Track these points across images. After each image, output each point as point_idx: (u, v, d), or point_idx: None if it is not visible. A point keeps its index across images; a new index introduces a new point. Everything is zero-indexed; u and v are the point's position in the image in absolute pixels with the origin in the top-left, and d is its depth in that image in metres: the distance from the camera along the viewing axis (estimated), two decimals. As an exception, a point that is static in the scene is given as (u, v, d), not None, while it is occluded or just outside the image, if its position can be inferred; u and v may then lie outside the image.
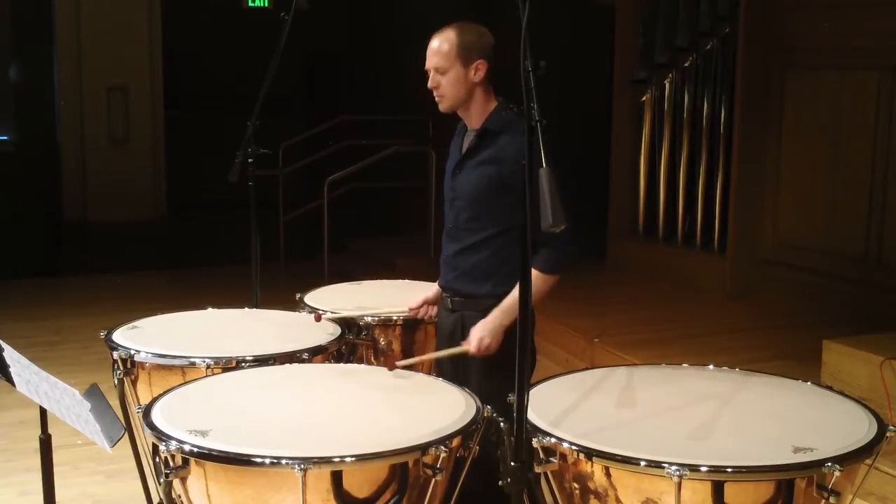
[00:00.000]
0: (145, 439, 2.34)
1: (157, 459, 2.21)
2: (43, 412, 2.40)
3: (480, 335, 2.73)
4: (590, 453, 2.10)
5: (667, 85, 6.85)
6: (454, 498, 2.37)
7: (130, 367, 2.86)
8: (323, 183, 7.59)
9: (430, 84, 2.84)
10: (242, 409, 2.39)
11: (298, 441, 2.16)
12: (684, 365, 2.78)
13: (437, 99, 2.85)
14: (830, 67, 5.71)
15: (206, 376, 2.69)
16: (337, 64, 12.94)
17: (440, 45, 2.80)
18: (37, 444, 2.48)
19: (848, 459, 2.06)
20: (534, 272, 2.66)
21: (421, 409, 2.40)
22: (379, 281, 3.96)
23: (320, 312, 3.09)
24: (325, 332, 3.04)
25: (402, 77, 11.90)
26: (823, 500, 2.04)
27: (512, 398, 2.07)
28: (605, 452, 2.08)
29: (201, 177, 10.22)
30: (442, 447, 2.14)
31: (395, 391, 2.54)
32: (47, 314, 6.81)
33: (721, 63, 6.48)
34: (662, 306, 6.03)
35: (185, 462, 2.15)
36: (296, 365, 2.80)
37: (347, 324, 3.18)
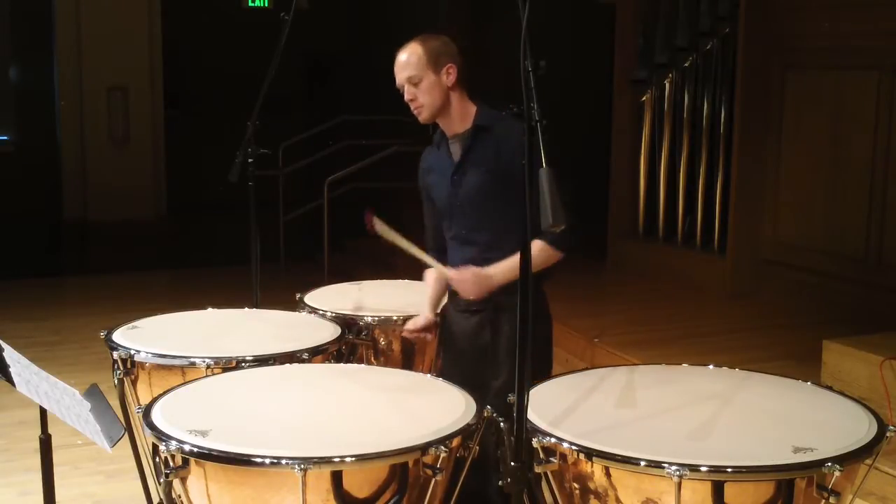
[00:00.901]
0: (145, 439, 2.34)
1: (157, 459, 2.21)
2: (43, 412, 2.40)
3: (468, 276, 2.76)
4: (590, 453, 2.10)
5: (667, 85, 6.85)
6: (454, 498, 2.37)
7: (130, 367, 2.86)
8: (323, 183, 7.59)
9: (406, 97, 2.85)
10: (242, 409, 2.39)
11: (298, 441, 2.16)
12: (684, 365, 2.78)
13: (415, 111, 2.86)
14: (830, 67, 5.71)
15: (206, 376, 2.69)
16: (337, 64, 12.94)
17: (408, 56, 2.82)
18: (37, 444, 2.48)
19: (848, 459, 2.05)
20: (541, 243, 2.73)
21: (421, 409, 2.40)
22: (379, 281, 3.96)
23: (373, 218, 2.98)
24: (325, 332, 3.04)
25: (402, 77, 11.90)
26: (823, 500, 2.04)
27: (512, 398, 2.07)
28: (605, 452, 2.08)
29: (201, 177, 10.22)
30: (442, 447, 2.14)
31: (395, 391, 2.54)
32: (47, 314, 6.81)
33: (721, 63, 6.48)
34: (662, 306, 6.03)
35: (185, 462, 2.15)
36: (296, 365, 2.80)
37: (347, 324, 3.18)
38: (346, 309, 3.28)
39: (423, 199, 3.09)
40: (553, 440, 2.16)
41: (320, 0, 7.72)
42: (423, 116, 2.87)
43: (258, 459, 2.07)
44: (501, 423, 2.25)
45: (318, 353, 2.89)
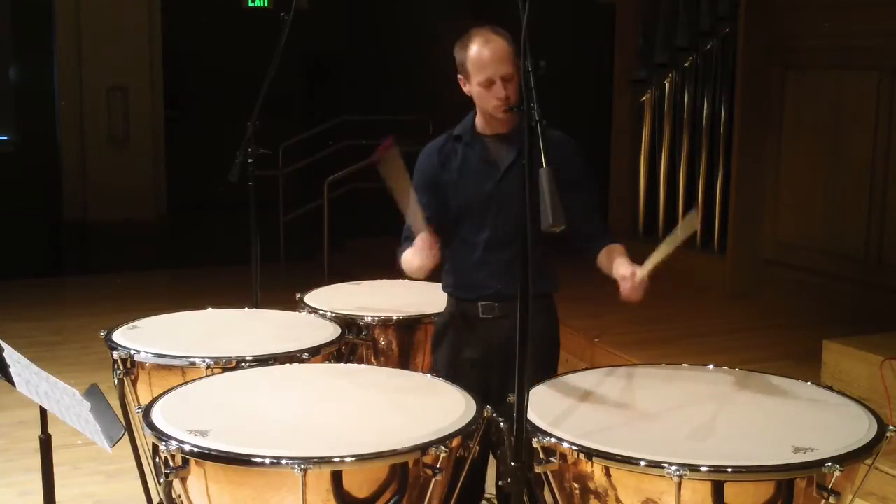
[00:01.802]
0: (145, 439, 2.34)
1: (157, 459, 2.20)
2: (43, 412, 2.40)
3: (630, 282, 2.84)
4: (590, 453, 2.10)
5: (667, 85, 6.85)
6: (454, 498, 2.37)
7: (130, 367, 2.86)
8: (323, 183, 7.59)
9: (501, 93, 2.67)
10: (242, 409, 2.39)
11: (298, 441, 2.16)
12: (684, 365, 2.78)
13: (497, 109, 2.69)
14: (830, 67, 5.71)
15: (206, 376, 2.69)
16: (337, 64, 12.94)
17: (501, 52, 2.67)
18: (37, 444, 2.48)
19: (848, 459, 2.05)
20: (615, 246, 2.95)
21: (421, 409, 2.40)
22: (379, 281, 3.95)
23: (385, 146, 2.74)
24: (325, 332, 3.04)
25: (403, 77, 11.93)
26: (823, 500, 2.04)
27: (512, 398, 2.07)
28: (605, 452, 2.08)
29: (201, 177, 10.22)
30: (442, 447, 2.14)
31: (395, 391, 2.54)
32: (47, 314, 6.81)
33: (721, 63, 6.49)
34: (662, 306, 6.02)
35: (185, 462, 2.15)
36: (296, 365, 2.80)
37: (347, 324, 3.18)
38: (346, 309, 3.28)
39: (417, 190, 2.83)
40: (553, 440, 2.16)
41: (320, 0, 7.72)
42: (505, 113, 2.71)
43: (258, 459, 2.07)
44: (501, 423, 2.25)
45: (318, 353, 2.89)
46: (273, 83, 3.75)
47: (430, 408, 2.39)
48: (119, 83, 10.18)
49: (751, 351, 4.89)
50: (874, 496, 3.50)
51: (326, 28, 12.12)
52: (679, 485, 1.98)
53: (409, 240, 2.80)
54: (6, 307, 6.80)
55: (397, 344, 3.23)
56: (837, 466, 2.00)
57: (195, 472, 2.14)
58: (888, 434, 2.20)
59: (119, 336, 2.98)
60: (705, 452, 2.06)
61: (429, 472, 2.16)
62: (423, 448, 2.14)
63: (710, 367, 2.73)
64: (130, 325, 3.12)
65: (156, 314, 3.28)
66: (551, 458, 2.18)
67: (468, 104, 2.86)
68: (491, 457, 2.72)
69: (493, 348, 2.81)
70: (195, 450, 2.12)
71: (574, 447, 2.12)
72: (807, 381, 2.59)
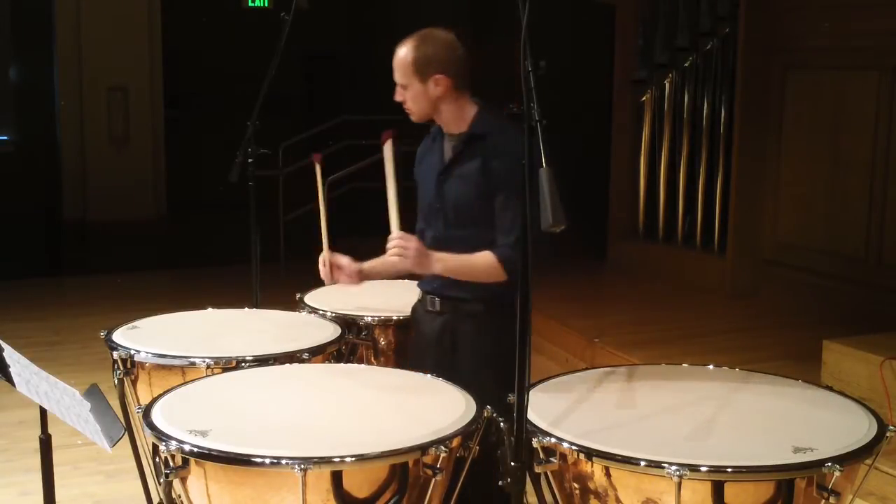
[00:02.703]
0: (145, 439, 2.34)
1: (157, 459, 2.20)
2: (43, 412, 2.39)
3: (413, 245, 2.66)
4: (590, 453, 2.10)
5: (667, 85, 6.86)
6: (454, 498, 2.37)
7: (130, 367, 2.86)
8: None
9: (396, 97, 2.81)
10: (242, 409, 2.39)
11: (298, 441, 2.15)
12: (684, 365, 2.78)
13: (406, 110, 2.82)
14: (830, 67, 5.71)
15: (206, 376, 2.69)
16: (337, 64, 12.95)
17: (398, 61, 2.76)
18: (37, 444, 2.47)
19: (848, 459, 2.05)
20: (490, 255, 2.69)
21: (421, 409, 2.40)
22: (379, 281, 3.95)
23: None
24: (325, 332, 3.04)
25: (402, 77, 11.90)
26: (823, 501, 2.04)
27: (512, 398, 2.07)
28: (605, 452, 2.08)
29: (201, 177, 10.21)
30: (442, 447, 2.14)
31: (395, 391, 2.54)
32: (47, 314, 6.81)
33: (721, 63, 6.49)
34: (662, 306, 6.03)
35: (185, 462, 2.15)
36: (296, 365, 2.80)
37: (347, 324, 3.18)
38: (346, 309, 3.28)
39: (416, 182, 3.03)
40: (553, 440, 2.16)
41: (320, 0, 7.72)
42: (413, 118, 2.83)
43: (258, 459, 2.07)
44: (501, 423, 2.25)
45: (318, 353, 2.88)
46: (273, 83, 3.75)
47: (430, 408, 2.39)
48: (119, 83, 10.18)
49: (751, 351, 4.90)
50: (874, 496, 3.51)
51: (326, 28, 12.12)
52: (679, 485, 1.98)
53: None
54: (6, 307, 6.80)
55: (397, 344, 3.23)
56: (837, 466, 2.00)
57: (195, 472, 2.14)
58: (888, 434, 2.20)
59: (119, 336, 2.98)
60: (705, 452, 2.06)
61: (429, 472, 2.16)
62: (423, 448, 2.14)
63: (710, 367, 2.73)
64: (130, 325, 3.12)
65: (156, 314, 3.28)
66: (551, 458, 2.18)
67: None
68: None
69: (428, 342, 2.88)
70: (195, 450, 2.12)
71: (574, 447, 2.12)
72: (807, 381, 2.59)
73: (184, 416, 2.29)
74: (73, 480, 3.97)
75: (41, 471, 2.48)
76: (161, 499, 2.27)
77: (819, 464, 2.01)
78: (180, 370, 2.76)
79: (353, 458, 2.07)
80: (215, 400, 2.47)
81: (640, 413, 2.36)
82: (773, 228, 6.14)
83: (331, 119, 10.05)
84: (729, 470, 2.00)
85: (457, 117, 2.80)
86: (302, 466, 2.01)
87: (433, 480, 2.17)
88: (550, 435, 2.17)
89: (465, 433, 2.25)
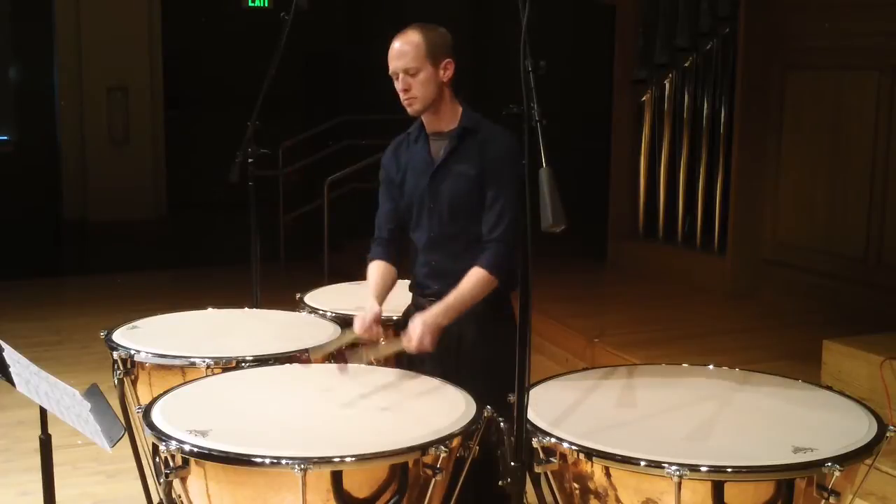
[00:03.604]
0: (145, 439, 2.34)
1: (157, 459, 2.21)
2: (43, 412, 2.40)
3: (423, 332, 2.61)
4: (590, 453, 2.10)
5: (667, 85, 6.86)
6: (454, 498, 2.37)
7: (130, 367, 2.86)
8: (323, 183, 7.59)
9: (400, 87, 2.76)
10: (242, 409, 2.39)
11: (298, 441, 2.16)
12: (684, 365, 2.78)
13: (406, 102, 2.77)
14: (830, 67, 5.71)
15: (206, 376, 2.69)
16: (337, 64, 12.94)
17: (407, 45, 2.74)
18: (37, 444, 2.48)
19: (848, 459, 2.06)
20: (479, 271, 2.67)
21: (421, 409, 2.40)
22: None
23: None
24: (326, 332, 3.04)
25: (402, 77, 11.90)
26: (823, 500, 2.04)
27: (512, 398, 2.07)
28: (605, 452, 2.08)
29: (201, 177, 10.22)
30: (442, 447, 2.14)
31: (396, 391, 2.54)
32: (47, 314, 6.81)
33: (721, 63, 6.49)
34: (662, 306, 6.03)
35: (185, 462, 2.15)
36: (296, 365, 2.80)
37: (347, 324, 3.17)
38: (346, 309, 3.27)
39: (381, 183, 2.96)
40: (553, 440, 2.16)
41: (320, 0, 7.73)
42: (414, 108, 2.78)
43: (258, 459, 2.07)
44: (501, 423, 2.25)
45: (317, 353, 2.88)
46: (273, 83, 3.75)
47: (430, 408, 2.39)
48: (119, 83, 10.18)
49: (751, 351, 4.89)
50: (874, 496, 3.51)
51: (327, 28, 12.12)
52: (679, 485, 1.98)
53: (378, 241, 2.94)
54: (6, 307, 6.80)
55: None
56: (837, 466, 2.00)
57: (195, 472, 2.15)
58: (888, 434, 2.20)
59: (119, 336, 2.98)
60: (705, 452, 2.06)
61: (429, 472, 2.17)
62: (423, 448, 2.14)
63: (710, 367, 2.73)
64: (130, 325, 3.12)
65: (156, 314, 3.28)
66: (551, 458, 2.18)
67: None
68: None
69: (436, 350, 2.76)
70: (195, 450, 2.12)
71: (574, 447, 2.12)
72: (807, 381, 2.59)
73: (184, 416, 2.30)
74: (73, 480, 3.97)
75: (41, 471, 2.48)
76: (161, 499, 2.27)
77: (819, 464, 2.01)
78: (180, 370, 2.76)
79: (353, 458, 2.07)
80: (215, 400, 2.47)
81: (639, 413, 2.36)
82: (773, 228, 6.14)
83: (331, 119, 10.05)
84: (729, 470, 2.00)
85: (451, 112, 2.81)
86: (302, 466, 2.02)
87: (433, 480, 2.17)
88: (550, 435, 2.17)
89: (465, 433, 2.26)
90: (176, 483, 2.19)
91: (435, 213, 2.83)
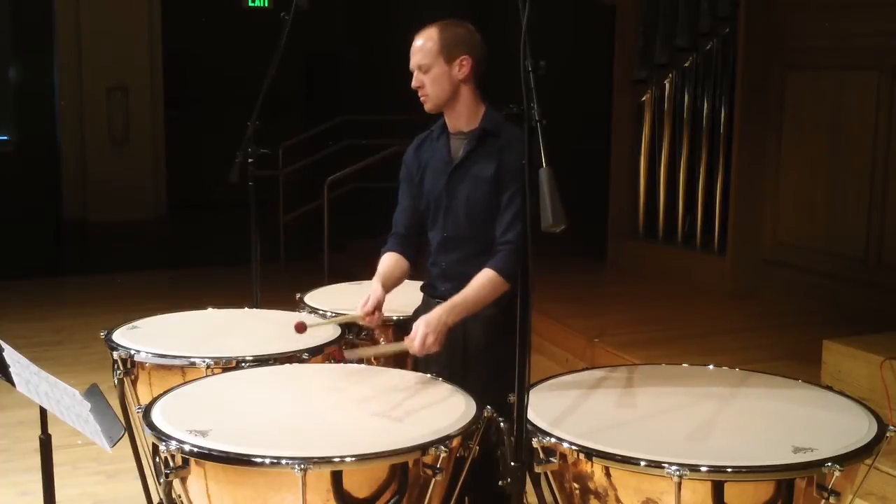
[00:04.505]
0: (145, 439, 2.33)
1: (157, 459, 2.20)
2: (43, 412, 2.40)
3: (425, 332, 2.60)
4: (590, 453, 2.10)
5: (667, 85, 6.86)
6: (454, 498, 2.37)
7: (130, 367, 2.86)
8: (323, 183, 7.59)
9: (413, 83, 2.78)
10: (242, 409, 2.39)
11: (298, 441, 2.15)
12: (684, 365, 2.78)
13: (421, 99, 2.79)
14: (830, 67, 5.71)
15: (206, 376, 2.69)
16: (337, 64, 12.95)
17: (423, 42, 2.75)
18: (37, 444, 2.48)
19: (848, 459, 2.05)
20: (490, 273, 2.67)
21: (421, 409, 2.40)
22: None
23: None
24: (326, 332, 3.04)
25: (402, 76, 11.93)
26: (823, 500, 2.04)
27: (512, 398, 2.07)
28: (605, 452, 2.08)
29: (201, 177, 10.23)
30: (442, 447, 2.14)
31: (396, 391, 2.54)
32: (47, 314, 6.81)
33: (721, 63, 6.49)
34: (662, 306, 6.03)
35: (185, 462, 2.15)
36: (296, 365, 2.80)
37: (347, 324, 3.17)
38: (346, 309, 3.27)
39: (401, 181, 2.97)
40: (553, 440, 2.16)
41: (320, 0, 7.73)
42: (427, 106, 2.79)
43: (258, 459, 2.07)
44: (501, 423, 2.25)
45: (318, 353, 2.89)
46: (273, 83, 3.75)
47: (430, 408, 2.39)
48: (119, 83, 10.19)
49: (751, 351, 4.89)
50: (874, 496, 3.50)
51: (327, 28, 12.13)
52: (679, 485, 1.98)
53: (394, 236, 2.98)
54: (6, 307, 6.81)
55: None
56: (837, 466, 2.00)
57: (195, 472, 2.14)
58: (888, 434, 2.20)
59: (119, 336, 2.98)
60: (705, 452, 2.06)
61: (429, 472, 2.16)
62: (423, 448, 2.14)
63: (710, 367, 2.73)
64: (130, 325, 3.12)
65: (156, 314, 3.28)
66: (551, 458, 2.18)
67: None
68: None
69: (446, 349, 2.73)
70: (195, 450, 2.12)
71: (574, 447, 2.12)
72: (807, 381, 2.59)
73: (184, 416, 2.29)
74: (73, 480, 3.97)
75: (41, 471, 2.48)
76: (161, 499, 2.27)
77: (819, 464, 2.01)
78: (180, 370, 2.76)
79: (353, 458, 2.07)
80: (215, 400, 2.47)
81: (639, 413, 2.36)
82: (773, 228, 6.14)
83: (331, 119, 10.05)
84: (729, 470, 2.00)
85: (470, 112, 2.80)
86: (302, 466, 2.01)
87: (433, 480, 2.17)
88: (550, 435, 2.17)
89: (465, 433, 2.25)
90: (176, 483, 2.19)
91: (451, 213, 2.83)
